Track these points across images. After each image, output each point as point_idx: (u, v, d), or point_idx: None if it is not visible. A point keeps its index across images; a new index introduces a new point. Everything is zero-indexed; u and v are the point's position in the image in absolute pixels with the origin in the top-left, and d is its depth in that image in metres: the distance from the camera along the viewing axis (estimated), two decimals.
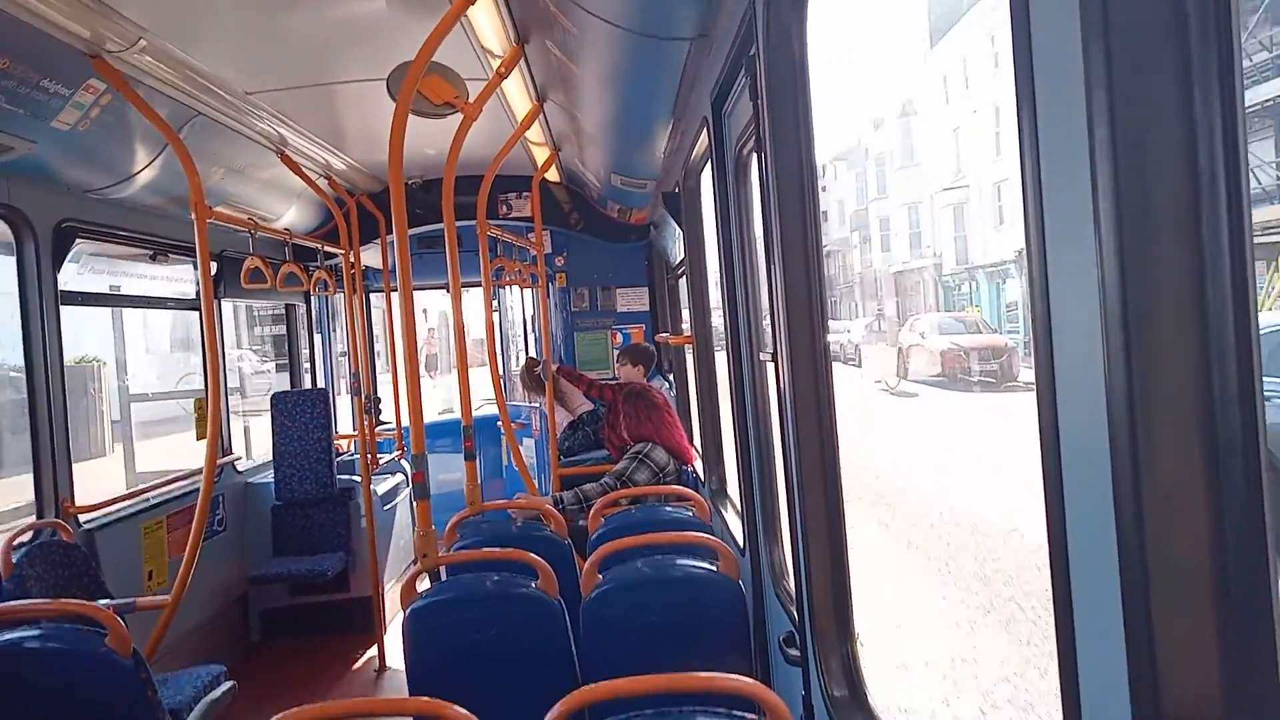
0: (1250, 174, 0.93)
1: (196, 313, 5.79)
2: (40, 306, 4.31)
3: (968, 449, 15.80)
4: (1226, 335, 0.89)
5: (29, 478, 4.42)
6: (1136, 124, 0.90)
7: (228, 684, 3.95)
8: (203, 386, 6.08)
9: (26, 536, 4.16)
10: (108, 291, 7.35)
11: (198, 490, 4.42)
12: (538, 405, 8.05)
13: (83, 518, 4.61)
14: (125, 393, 14.17)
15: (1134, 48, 0.90)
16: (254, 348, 23.19)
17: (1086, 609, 1.03)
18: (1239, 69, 0.90)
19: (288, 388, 7.57)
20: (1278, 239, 16.65)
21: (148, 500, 5.34)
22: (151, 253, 5.60)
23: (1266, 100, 16.99)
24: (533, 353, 8.71)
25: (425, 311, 22.85)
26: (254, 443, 10.14)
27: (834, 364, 2.49)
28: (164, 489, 5.55)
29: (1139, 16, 0.90)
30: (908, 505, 10.96)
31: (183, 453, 7.52)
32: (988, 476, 12.36)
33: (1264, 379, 0.90)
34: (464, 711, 2.06)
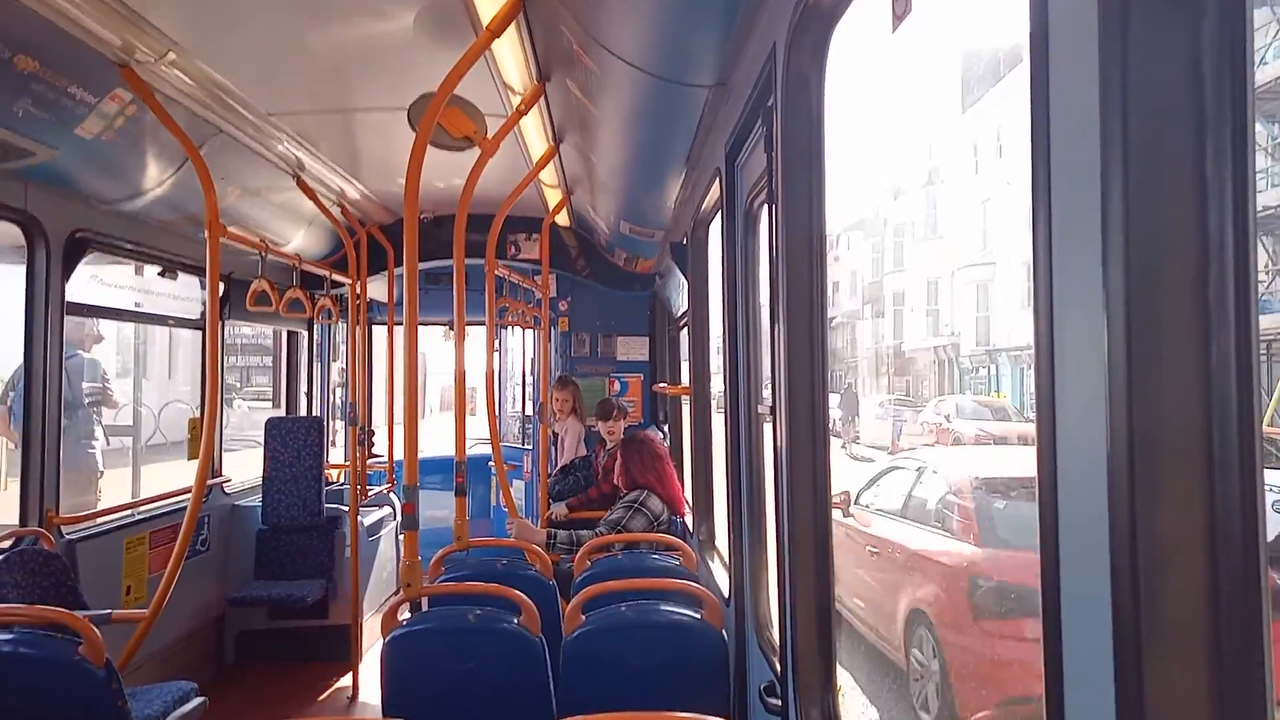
0: (1256, 238, 0.94)
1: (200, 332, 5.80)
2: (46, 315, 4.30)
3: None
4: (1229, 395, 0.90)
5: None
6: (1149, 191, 0.92)
7: (198, 700, 3.91)
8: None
9: (7, 543, 4.12)
10: (113, 305, 7.34)
11: (183, 509, 4.38)
12: (530, 449, 8.01)
13: (66, 529, 4.57)
14: None
15: (1150, 116, 0.91)
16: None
17: (1077, 659, 1.02)
18: (1251, 139, 0.91)
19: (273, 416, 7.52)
20: None
21: (133, 516, 5.30)
22: (160, 269, 5.63)
23: None
24: (529, 396, 8.69)
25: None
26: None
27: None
28: (150, 505, 5.50)
29: (1157, 86, 0.91)
30: None
31: None
32: None
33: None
34: None
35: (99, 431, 7.82)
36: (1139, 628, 0.91)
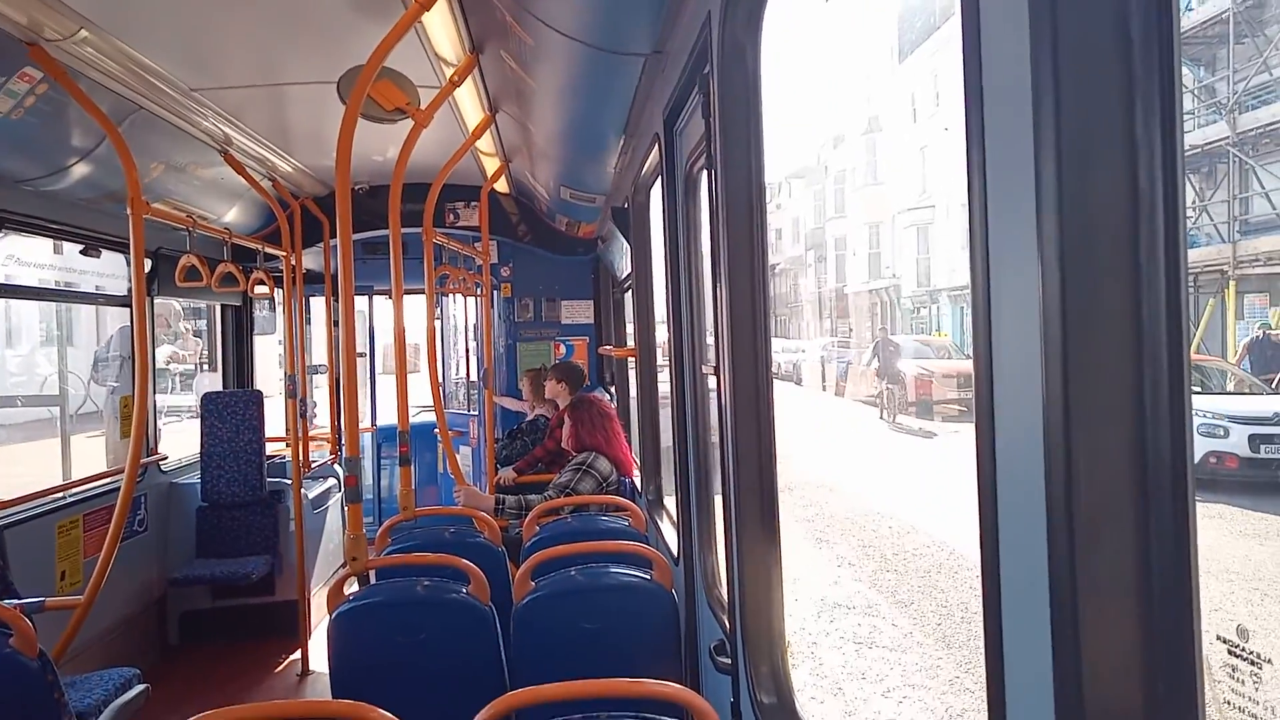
0: (1185, 196, 0.98)
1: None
2: None
3: None
4: (1160, 357, 0.93)
5: None
6: (1081, 149, 0.94)
7: (140, 687, 3.84)
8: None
9: None
10: (39, 285, 7.10)
11: (118, 489, 4.27)
12: (476, 414, 8.01)
13: None
14: None
15: (1081, 76, 0.93)
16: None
17: (1015, 615, 1.05)
18: (1179, 96, 0.94)
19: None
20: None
21: (64, 498, 5.16)
22: (83, 246, 5.44)
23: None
24: (474, 361, 8.67)
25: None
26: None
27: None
28: (82, 487, 5.37)
29: (1087, 46, 0.94)
30: None
31: None
32: None
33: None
34: (388, 715, 2.03)
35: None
36: (1074, 576, 0.94)
